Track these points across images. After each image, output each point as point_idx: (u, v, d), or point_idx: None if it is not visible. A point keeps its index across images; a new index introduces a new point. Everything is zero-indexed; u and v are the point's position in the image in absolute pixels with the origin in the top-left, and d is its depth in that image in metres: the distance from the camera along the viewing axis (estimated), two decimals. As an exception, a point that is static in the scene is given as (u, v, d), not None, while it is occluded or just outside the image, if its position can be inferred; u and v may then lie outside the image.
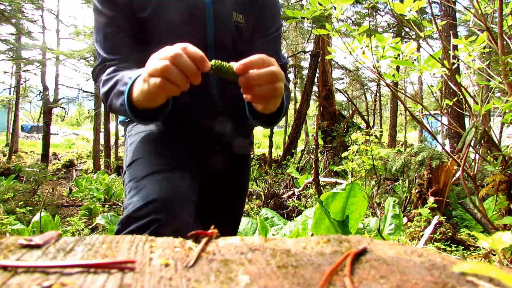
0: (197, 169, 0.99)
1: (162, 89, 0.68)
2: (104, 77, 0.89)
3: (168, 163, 0.91)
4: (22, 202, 4.89)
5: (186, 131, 1.08)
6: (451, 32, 5.18)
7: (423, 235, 2.75)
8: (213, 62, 0.71)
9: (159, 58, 0.68)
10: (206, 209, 1.08)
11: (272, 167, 9.22)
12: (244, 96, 0.76)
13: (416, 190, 3.64)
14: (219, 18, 0.98)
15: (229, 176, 1.19)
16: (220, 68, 0.71)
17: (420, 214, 3.09)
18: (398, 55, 1.07)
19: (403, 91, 10.63)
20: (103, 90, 0.88)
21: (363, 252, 0.36)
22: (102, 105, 0.95)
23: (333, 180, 5.41)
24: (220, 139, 1.12)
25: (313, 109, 19.91)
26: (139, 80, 0.74)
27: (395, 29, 12.37)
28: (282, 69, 1.05)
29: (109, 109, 0.88)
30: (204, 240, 0.39)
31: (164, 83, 0.67)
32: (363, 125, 11.32)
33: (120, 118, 1.12)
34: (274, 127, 1.02)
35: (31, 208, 4.74)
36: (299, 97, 14.87)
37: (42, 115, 11.28)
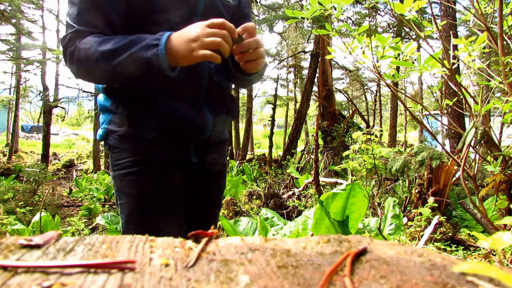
0: (180, 197, 1.10)
1: (208, 46, 0.84)
2: (96, 39, 0.92)
3: (155, 216, 1.05)
4: (22, 202, 4.88)
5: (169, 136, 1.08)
6: (451, 32, 5.18)
7: (423, 235, 2.75)
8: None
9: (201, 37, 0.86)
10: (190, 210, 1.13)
11: (272, 167, 9.22)
12: (237, 58, 0.94)
13: (416, 190, 3.64)
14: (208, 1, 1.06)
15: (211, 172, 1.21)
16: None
17: (420, 214, 3.09)
18: (398, 55, 1.07)
19: (403, 91, 10.63)
20: (103, 48, 0.90)
21: (363, 252, 0.36)
22: (75, 64, 0.96)
23: (333, 180, 5.41)
24: (200, 132, 1.10)
25: (313, 109, 19.91)
26: (181, 42, 0.88)
27: (395, 29, 12.36)
28: None
29: (114, 68, 0.90)
30: (204, 240, 0.39)
31: (208, 42, 0.84)
32: (363, 125, 11.31)
33: (100, 132, 1.12)
34: (254, 83, 1.11)
35: (31, 208, 4.74)
36: (299, 97, 14.87)
37: (42, 115, 11.27)
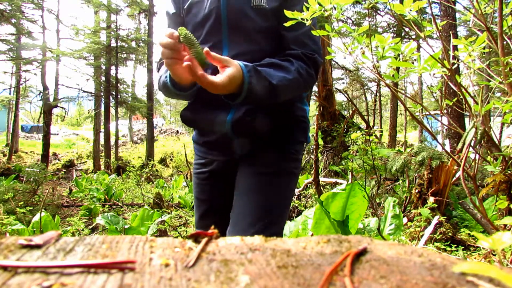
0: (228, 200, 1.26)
1: (168, 65, 0.96)
2: (163, 68, 1.17)
3: (206, 213, 1.30)
4: (22, 202, 4.88)
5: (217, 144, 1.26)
6: (451, 32, 5.18)
7: (423, 235, 2.75)
8: (180, 31, 0.91)
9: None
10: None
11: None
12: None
13: (416, 190, 3.64)
14: (230, 6, 1.10)
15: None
16: (188, 38, 0.91)
17: (420, 214, 3.09)
18: (398, 55, 1.07)
19: (403, 91, 10.62)
20: (158, 76, 1.18)
21: (363, 252, 0.36)
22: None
23: (333, 180, 5.41)
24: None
25: (313, 109, 19.88)
26: None
27: (395, 29, 12.37)
28: (307, 60, 1.14)
29: (160, 89, 1.18)
30: (204, 240, 0.39)
31: (165, 62, 0.96)
32: (363, 125, 11.32)
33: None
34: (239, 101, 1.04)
35: (31, 208, 4.74)
36: (299, 97, 14.78)
37: (42, 115, 11.28)
